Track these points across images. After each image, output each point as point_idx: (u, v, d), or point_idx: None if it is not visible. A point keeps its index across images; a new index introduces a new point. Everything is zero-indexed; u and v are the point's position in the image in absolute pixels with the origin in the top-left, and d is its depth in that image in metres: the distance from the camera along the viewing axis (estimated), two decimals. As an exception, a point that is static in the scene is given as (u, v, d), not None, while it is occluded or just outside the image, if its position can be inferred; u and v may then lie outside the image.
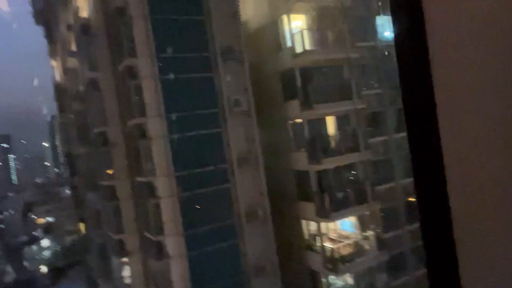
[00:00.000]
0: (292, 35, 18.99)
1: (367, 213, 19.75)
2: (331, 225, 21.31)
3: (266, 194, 20.09)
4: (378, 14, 21.95)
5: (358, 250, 19.65)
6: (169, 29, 18.50)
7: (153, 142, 18.12)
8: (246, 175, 19.63)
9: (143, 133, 18.74)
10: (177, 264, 18.19)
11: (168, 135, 18.20)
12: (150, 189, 18.97)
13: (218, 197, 19.19)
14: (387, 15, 22.41)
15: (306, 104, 18.45)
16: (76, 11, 21.90)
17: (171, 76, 18.40)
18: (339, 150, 19.16)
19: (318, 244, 19.63)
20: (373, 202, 19.25)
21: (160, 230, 18.24)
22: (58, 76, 33.97)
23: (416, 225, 21.85)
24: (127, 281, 21.20)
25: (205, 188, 18.85)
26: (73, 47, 24.55)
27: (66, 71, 28.85)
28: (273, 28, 20.39)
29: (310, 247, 20.22)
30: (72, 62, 25.13)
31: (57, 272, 68.43)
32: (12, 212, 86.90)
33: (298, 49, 18.69)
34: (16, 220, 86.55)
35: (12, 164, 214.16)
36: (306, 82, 18.77)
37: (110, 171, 21.09)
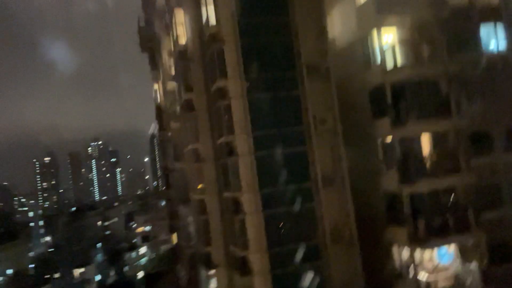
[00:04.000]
0: (382, 50, 18.26)
1: (470, 243, 17.59)
2: (426, 253, 19.45)
3: (353, 216, 19.23)
4: (483, 23, 19.95)
5: (459, 284, 17.53)
6: (257, 50, 19.29)
7: (240, 159, 18.76)
8: (332, 195, 19.08)
9: (231, 150, 19.54)
10: (260, 282, 18.24)
11: (254, 152, 18.68)
12: (237, 204, 19.55)
13: (302, 216, 18.93)
14: (491, 24, 20.29)
15: (398, 121, 17.42)
16: (176, 39, 24.11)
17: (258, 95, 19.00)
18: (435, 171, 17.58)
19: (411, 273, 18.01)
20: (477, 231, 17.11)
21: (245, 246, 18.57)
22: (159, 98, 37.51)
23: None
24: (213, 293, 21.85)
25: (289, 206, 18.78)
26: (172, 72, 26.96)
27: (166, 93, 31.73)
28: (362, 43, 19.87)
29: (402, 276, 18.64)
30: (171, 85, 27.57)
31: (151, 278, 74.02)
32: (116, 220, 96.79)
33: (389, 65, 17.88)
34: (119, 228, 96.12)
35: (118, 177, 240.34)
36: (397, 99, 17.78)
37: (200, 186, 22.31)
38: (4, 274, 62.78)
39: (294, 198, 18.82)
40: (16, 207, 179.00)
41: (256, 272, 18.25)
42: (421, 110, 17.60)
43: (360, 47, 20.00)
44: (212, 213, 21.78)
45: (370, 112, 19.55)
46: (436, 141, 18.69)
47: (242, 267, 19.12)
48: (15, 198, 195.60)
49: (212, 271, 21.96)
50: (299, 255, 18.44)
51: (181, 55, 22.94)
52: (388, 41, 18.92)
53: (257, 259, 18.30)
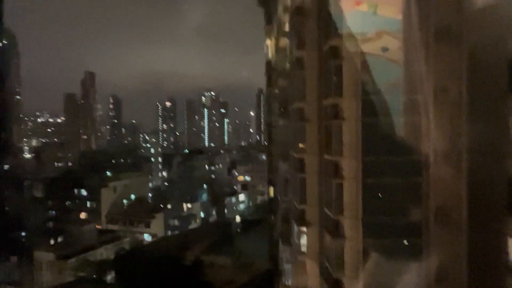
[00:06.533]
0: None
1: None
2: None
3: (466, 198, 17.44)
4: None
5: None
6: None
7: (345, 123, 18.22)
8: (444, 172, 17.45)
9: (336, 113, 19.05)
10: (351, 247, 18.21)
11: (361, 118, 17.91)
12: (336, 168, 19.33)
13: (406, 191, 17.89)
14: None
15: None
16: (293, -7, 23.57)
17: (372, 57, 17.80)
18: None
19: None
20: None
21: (339, 210, 18.53)
22: (270, 54, 37.86)
23: None
24: (303, 249, 22.64)
25: (392, 178, 17.87)
26: (286, 28, 26.71)
27: (277, 49, 31.81)
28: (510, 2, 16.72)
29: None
30: (284, 42, 27.45)
31: (246, 223, 79.97)
32: (221, 166, 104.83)
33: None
34: (223, 174, 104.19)
35: (225, 127, 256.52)
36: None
37: (302, 145, 22.52)
38: (129, 198, 74.65)
39: (399, 171, 17.78)
40: (142, 143, 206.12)
41: (348, 237, 18.23)
42: None
43: (508, 7, 16.86)
44: (310, 173, 22.02)
45: (504, 86, 16.78)
46: None
47: (334, 229, 19.25)
48: (140, 135, 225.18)
49: (304, 228, 22.62)
50: (397, 230, 17.72)
51: (297, 10, 22.46)
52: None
53: (350, 225, 18.18)
